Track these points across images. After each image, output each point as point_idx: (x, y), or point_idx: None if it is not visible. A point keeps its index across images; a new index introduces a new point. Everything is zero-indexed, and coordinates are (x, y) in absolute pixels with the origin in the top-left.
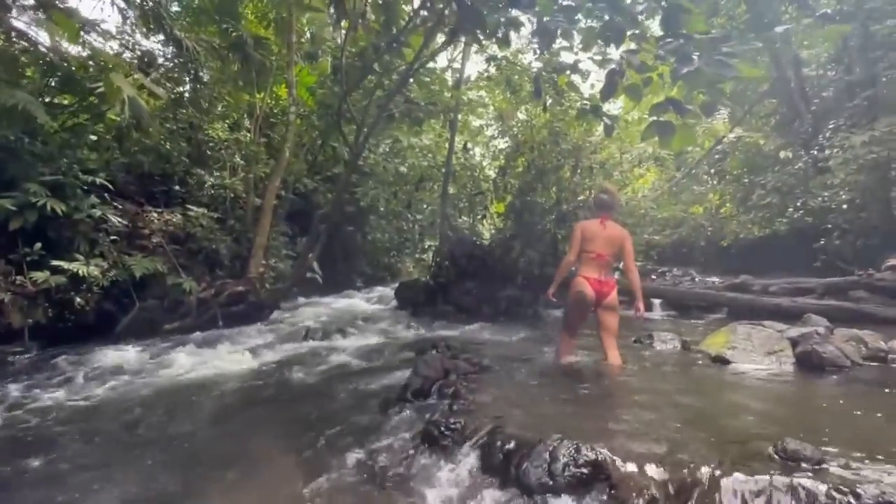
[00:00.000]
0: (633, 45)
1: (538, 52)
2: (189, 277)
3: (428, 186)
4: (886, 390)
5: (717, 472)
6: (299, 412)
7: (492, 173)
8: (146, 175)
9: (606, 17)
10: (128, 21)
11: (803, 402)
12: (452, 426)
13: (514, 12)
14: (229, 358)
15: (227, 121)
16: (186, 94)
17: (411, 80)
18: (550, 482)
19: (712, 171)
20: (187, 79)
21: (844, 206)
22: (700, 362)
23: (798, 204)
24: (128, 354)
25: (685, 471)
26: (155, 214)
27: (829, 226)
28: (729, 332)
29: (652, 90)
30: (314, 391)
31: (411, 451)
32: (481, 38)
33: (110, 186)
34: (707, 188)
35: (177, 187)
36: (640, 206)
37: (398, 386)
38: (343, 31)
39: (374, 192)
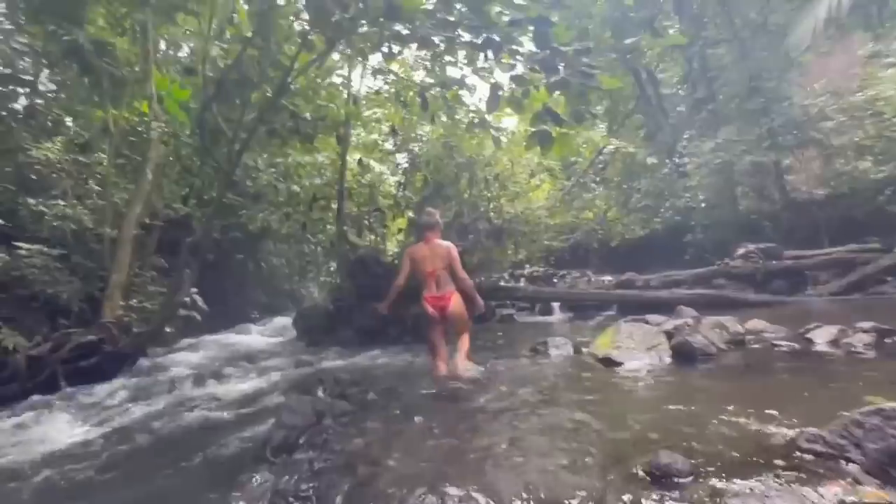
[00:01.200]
0: (509, 60)
1: (429, 67)
2: (14, 331)
3: (324, 205)
4: (747, 375)
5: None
6: (132, 493)
7: (392, 189)
8: None
9: (484, 35)
10: None
11: (679, 399)
12: (303, 494)
13: (396, 26)
14: (63, 429)
15: (76, 140)
16: (20, 110)
17: (297, 95)
18: None
19: (597, 178)
20: (20, 91)
21: (702, 205)
22: (589, 365)
23: (668, 205)
24: None
25: None
26: None
27: (693, 222)
28: (614, 331)
29: (532, 101)
30: (160, 460)
31: None
32: (366, 51)
33: None
34: (595, 195)
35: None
36: (534, 215)
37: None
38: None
39: (262, 215)
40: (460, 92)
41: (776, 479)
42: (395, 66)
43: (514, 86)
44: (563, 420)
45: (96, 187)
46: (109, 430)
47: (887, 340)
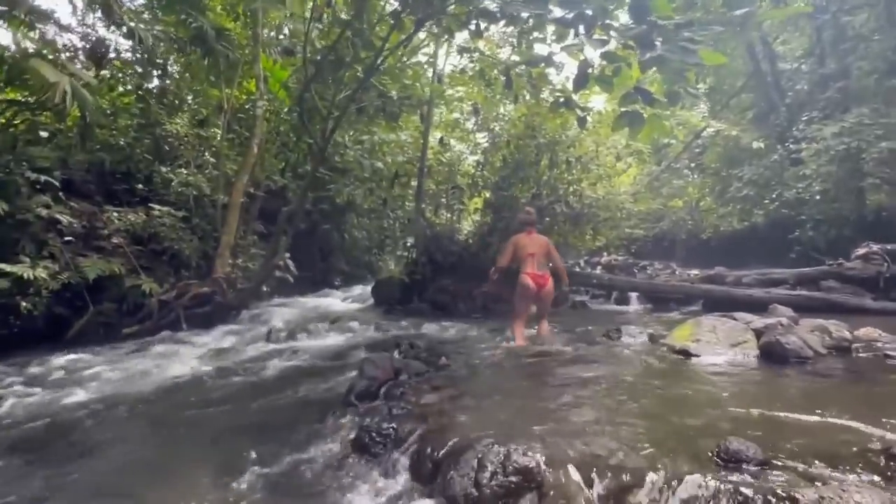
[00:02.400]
0: (602, 34)
1: (515, 45)
2: (150, 279)
3: (405, 182)
4: (846, 382)
5: (652, 478)
6: (238, 420)
7: (471, 168)
8: (107, 173)
9: (576, 10)
10: (78, 11)
11: (762, 396)
12: (385, 432)
13: (485, 2)
14: (184, 363)
15: (197, 116)
16: (154, 89)
17: (385, 74)
18: (476, 493)
19: (692, 164)
20: (154, 73)
21: (818, 198)
22: (664, 355)
23: (774, 196)
24: (76, 361)
25: (620, 477)
26: (115, 214)
27: (804, 217)
28: (694, 324)
29: (621, 80)
30: (261, 396)
31: (341, 460)
32: (453, 29)
33: (56, 184)
34: (687, 182)
35: (140, 186)
36: (616, 201)
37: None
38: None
39: (348, 189)
40: (546, 70)
41: (856, 477)
42: (480, 44)
43: (604, 62)
44: (623, 398)
45: (211, 159)
46: (221, 368)
47: None
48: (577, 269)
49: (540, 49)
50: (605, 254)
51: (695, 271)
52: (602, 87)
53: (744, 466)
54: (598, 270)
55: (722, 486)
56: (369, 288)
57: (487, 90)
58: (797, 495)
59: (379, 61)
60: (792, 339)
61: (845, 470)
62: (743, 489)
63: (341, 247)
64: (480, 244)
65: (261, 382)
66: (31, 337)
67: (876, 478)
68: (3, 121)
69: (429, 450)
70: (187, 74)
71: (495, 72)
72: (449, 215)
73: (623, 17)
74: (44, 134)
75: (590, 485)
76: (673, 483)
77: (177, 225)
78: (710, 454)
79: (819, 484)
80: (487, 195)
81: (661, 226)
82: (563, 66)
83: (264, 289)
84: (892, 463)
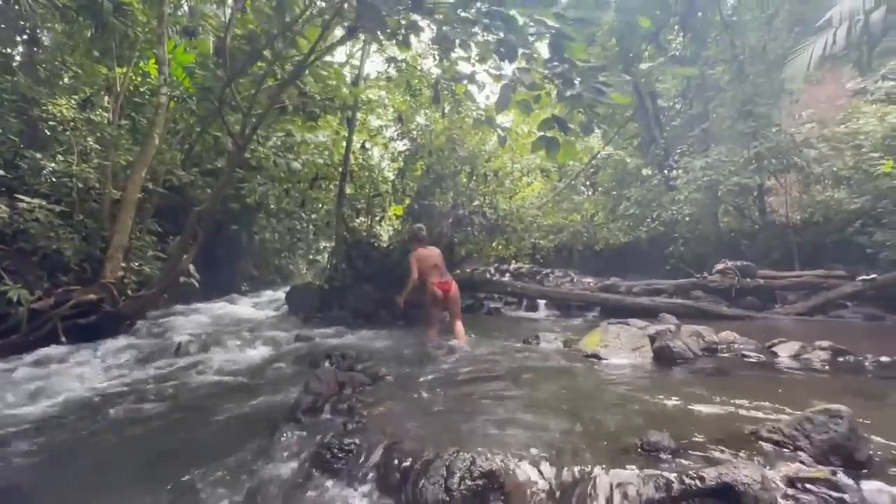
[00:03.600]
0: (524, 64)
1: (438, 58)
2: (16, 284)
3: (323, 185)
4: (717, 377)
5: (593, 470)
6: (169, 444)
7: (391, 175)
8: None
9: (501, 35)
10: None
11: (660, 394)
12: (346, 447)
13: (415, 16)
14: (81, 381)
15: (77, 96)
16: (16, 59)
17: (307, 72)
18: (447, 498)
19: (588, 182)
20: (18, 39)
21: (687, 219)
22: (578, 359)
23: (654, 215)
24: None
25: (566, 471)
26: None
27: (676, 235)
28: (602, 331)
29: (540, 106)
30: (188, 417)
31: (301, 479)
32: (381, 37)
33: None
34: (583, 198)
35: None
36: (529, 214)
37: (287, 405)
38: (228, 9)
39: (262, 188)
40: (469, 87)
41: (743, 457)
42: (405, 54)
43: (524, 90)
44: (556, 400)
45: (97, 146)
46: (129, 387)
47: (840, 359)
48: (490, 277)
49: (463, 67)
50: (512, 262)
51: (589, 279)
52: (522, 111)
53: (661, 455)
54: (507, 278)
55: (650, 473)
56: (280, 293)
57: (412, 100)
58: (703, 475)
59: (308, 61)
60: (678, 343)
61: (732, 450)
62: (665, 474)
63: (250, 249)
64: (401, 252)
65: (181, 402)
66: None
67: (753, 454)
68: None
69: (395, 461)
70: (65, 46)
71: (416, 82)
72: (369, 222)
73: (542, 49)
74: None
75: (544, 481)
76: (610, 473)
77: (53, 221)
78: (635, 445)
79: (716, 464)
80: (408, 203)
81: (561, 237)
82: (485, 85)
83: (163, 296)
84: (760, 442)
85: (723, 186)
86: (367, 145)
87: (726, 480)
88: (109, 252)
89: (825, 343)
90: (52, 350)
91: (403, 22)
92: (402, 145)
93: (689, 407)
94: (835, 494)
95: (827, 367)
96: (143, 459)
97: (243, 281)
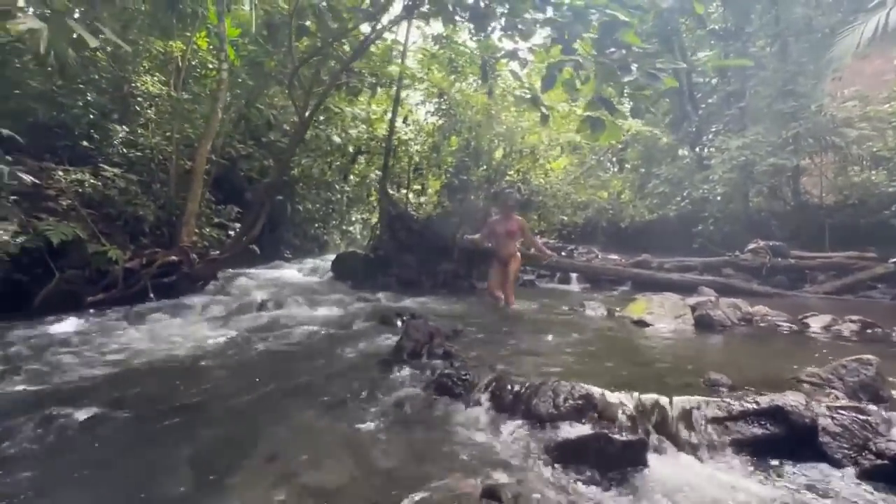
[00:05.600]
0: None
1: (473, 34)
2: (113, 245)
3: (364, 159)
4: (756, 341)
5: (667, 398)
6: (303, 374)
7: (425, 148)
8: (40, 126)
9: (550, 13)
10: None
11: (708, 350)
12: (463, 378)
13: None
14: (189, 329)
15: (136, 71)
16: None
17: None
18: (556, 412)
19: (613, 159)
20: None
21: (718, 198)
22: (625, 324)
23: (685, 194)
24: (68, 327)
25: (643, 397)
26: (60, 173)
27: (706, 214)
28: (646, 300)
29: (587, 89)
30: (305, 356)
31: (430, 400)
32: (431, 15)
33: (18, 139)
34: (610, 175)
35: (84, 143)
36: (563, 190)
37: (383, 349)
38: None
39: (307, 161)
40: (512, 64)
41: (790, 391)
42: (442, 30)
43: (572, 70)
44: (617, 351)
45: (171, 120)
46: (237, 332)
47: (868, 331)
48: (526, 250)
49: (507, 44)
50: (538, 237)
51: (614, 255)
52: (566, 91)
53: (721, 389)
54: (533, 251)
55: (714, 400)
56: (319, 261)
57: (455, 76)
58: (758, 399)
59: (369, 41)
60: (718, 312)
61: (778, 390)
62: (726, 399)
63: (293, 219)
64: (441, 223)
65: (289, 347)
66: None
67: (796, 392)
68: None
69: (507, 387)
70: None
71: (460, 59)
72: (411, 194)
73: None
74: None
75: (627, 404)
76: (682, 399)
77: (133, 189)
78: (698, 382)
79: (765, 394)
80: (445, 178)
81: (587, 213)
82: (527, 62)
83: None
84: (800, 384)
85: (758, 167)
86: (408, 120)
87: (777, 403)
88: (184, 218)
89: (855, 317)
90: (146, 305)
91: None
92: (437, 120)
93: (736, 360)
94: (861, 417)
95: (855, 338)
96: (290, 384)
97: (286, 249)
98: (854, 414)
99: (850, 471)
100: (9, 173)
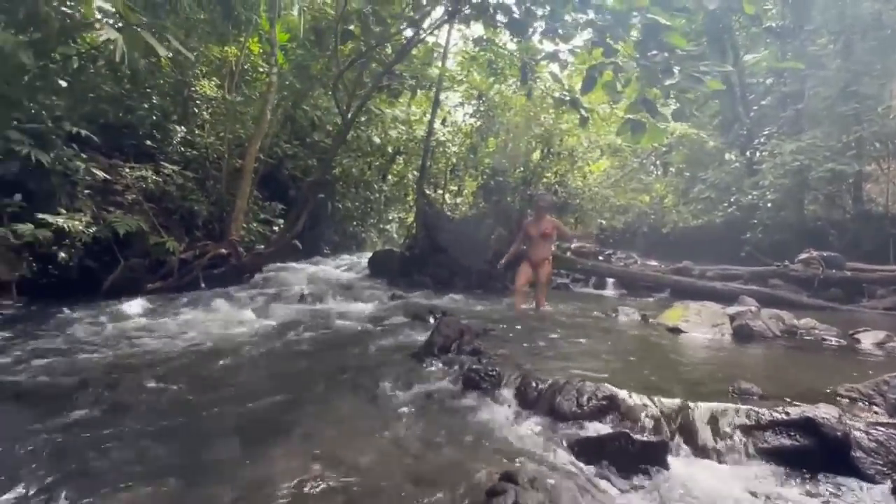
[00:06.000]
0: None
1: (513, 37)
2: (170, 238)
3: (402, 159)
4: (797, 354)
5: (693, 403)
6: (340, 363)
7: (462, 150)
8: (109, 126)
9: (591, 15)
10: None
11: (743, 360)
12: (490, 373)
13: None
14: (238, 316)
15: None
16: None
17: (394, 51)
18: (579, 411)
19: (657, 162)
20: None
21: (769, 205)
22: (660, 331)
23: (732, 199)
24: (136, 309)
25: (669, 401)
26: (127, 169)
27: (755, 221)
28: (683, 307)
29: (629, 91)
30: (341, 346)
31: (458, 392)
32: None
33: (95, 139)
34: (653, 179)
35: (147, 142)
36: (601, 194)
37: (415, 344)
38: None
39: (347, 161)
40: (552, 66)
41: (823, 404)
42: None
43: (612, 72)
44: (648, 356)
45: (224, 121)
46: (279, 321)
47: None
48: (561, 254)
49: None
50: (574, 241)
51: (654, 262)
52: (607, 93)
53: (750, 398)
54: (568, 255)
55: (742, 408)
56: (355, 258)
57: (494, 78)
58: (789, 410)
59: (411, 44)
60: (758, 323)
61: (812, 403)
62: (755, 408)
63: (333, 216)
64: (475, 224)
65: (330, 336)
66: (66, 288)
67: (830, 405)
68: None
69: (533, 384)
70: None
71: (500, 62)
72: (445, 195)
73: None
74: (62, 83)
75: (652, 407)
76: (708, 405)
77: (189, 186)
78: (727, 390)
79: (797, 405)
80: (481, 180)
81: (627, 218)
82: (568, 64)
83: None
84: (838, 398)
85: (815, 172)
86: (447, 121)
87: (808, 415)
88: (234, 214)
89: None
90: (197, 293)
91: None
92: (475, 121)
93: (771, 371)
94: None
95: None
96: (328, 371)
97: (325, 245)
98: (892, 430)
99: (884, 487)
100: (84, 169)
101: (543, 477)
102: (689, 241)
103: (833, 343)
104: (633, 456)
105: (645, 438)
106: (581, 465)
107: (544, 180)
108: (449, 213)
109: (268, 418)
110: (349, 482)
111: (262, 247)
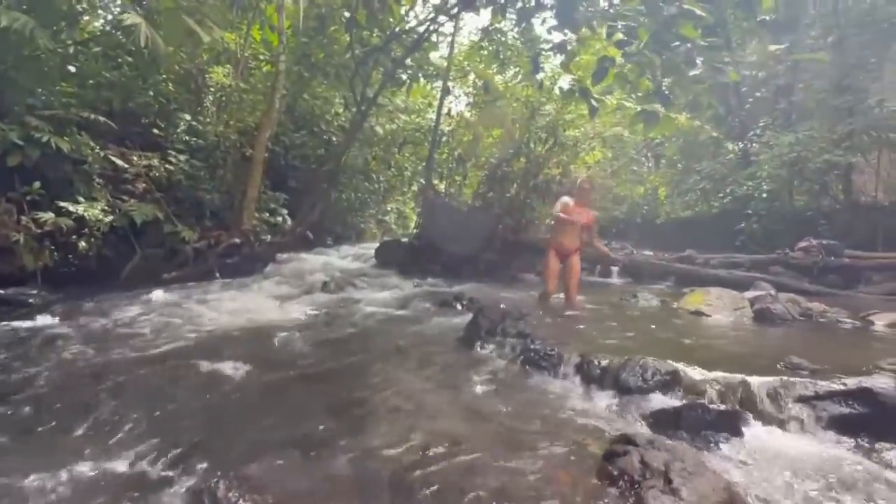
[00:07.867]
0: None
1: (517, 25)
2: (185, 226)
3: (412, 150)
4: (819, 334)
5: (749, 377)
6: (391, 346)
7: (467, 139)
8: (115, 114)
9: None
10: None
11: (773, 340)
12: (549, 353)
13: None
14: (266, 305)
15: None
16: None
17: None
18: (644, 385)
19: (649, 154)
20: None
21: (764, 196)
22: (683, 315)
23: (728, 190)
24: (159, 297)
25: (727, 375)
26: (135, 158)
27: (750, 211)
28: (703, 292)
29: (643, 84)
30: (384, 332)
31: (518, 372)
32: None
33: (113, 126)
34: (645, 170)
35: (155, 130)
36: (603, 185)
37: (455, 327)
38: None
39: (353, 151)
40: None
41: (878, 376)
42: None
43: (623, 62)
44: (686, 337)
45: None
46: (310, 308)
47: None
48: None
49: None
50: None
51: (648, 252)
52: (619, 84)
53: (802, 372)
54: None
55: (799, 380)
56: (358, 248)
57: (500, 68)
58: (845, 381)
59: (425, 35)
60: (778, 306)
61: (857, 375)
62: (807, 382)
63: (336, 207)
64: (482, 214)
65: (368, 323)
66: (85, 276)
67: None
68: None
69: (595, 362)
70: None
71: (508, 52)
72: (451, 185)
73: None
74: (71, 69)
75: (712, 381)
76: (766, 379)
77: (199, 175)
78: (778, 365)
79: (844, 377)
80: (486, 170)
81: (621, 208)
82: (575, 55)
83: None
84: (880, 370)
85: (810, 164)
86: (452, 111)
87: (866, 385)
88: (245, 203)
89: None
90: (214, 283)
91: None
92: (480, 111)
93: (808, 349)
94: None
95: None
96: (383, 353)
97: (328, 236)
98: None
99: None
100: (99, 157)
101: (659, 438)
102: (681, 232)
103: (848, 325)
104: (709, 424)
105: (721, 408)
106: (662, 434)
107: (545, 172)
108: (455, 203)
109: (350, 396)
110: (454, 450)
111: (269, 237)
